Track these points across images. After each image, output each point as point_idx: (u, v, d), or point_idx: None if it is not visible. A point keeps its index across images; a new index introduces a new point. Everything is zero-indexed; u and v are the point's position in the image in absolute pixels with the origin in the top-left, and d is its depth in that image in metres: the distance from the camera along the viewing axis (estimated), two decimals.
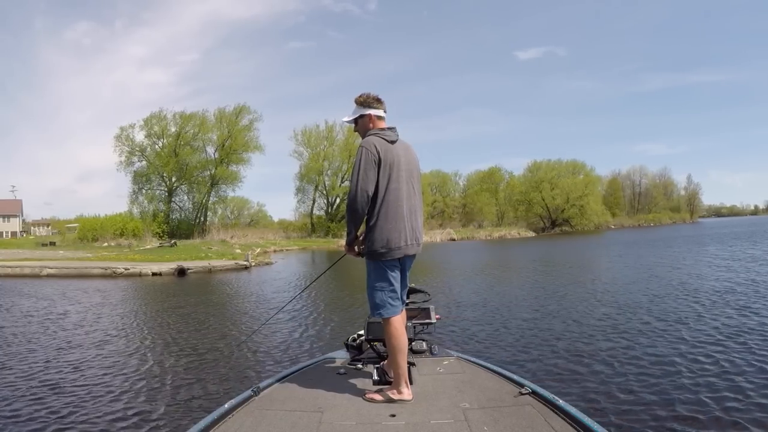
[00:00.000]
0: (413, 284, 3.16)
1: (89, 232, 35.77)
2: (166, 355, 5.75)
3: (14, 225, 60.52)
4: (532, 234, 56.26)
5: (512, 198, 67.11)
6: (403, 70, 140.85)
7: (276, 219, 67.55)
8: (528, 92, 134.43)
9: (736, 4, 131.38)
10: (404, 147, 2.57)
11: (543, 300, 8.87)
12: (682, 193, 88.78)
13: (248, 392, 2.41)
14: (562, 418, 2.02)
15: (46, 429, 3.55)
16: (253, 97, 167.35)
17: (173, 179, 44.85)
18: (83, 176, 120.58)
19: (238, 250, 27.21)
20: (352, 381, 2.64)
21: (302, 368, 2.92)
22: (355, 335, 3.18)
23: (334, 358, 3.11)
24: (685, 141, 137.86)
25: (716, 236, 28.70)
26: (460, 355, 3.06)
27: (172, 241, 31.89)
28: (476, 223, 65.03)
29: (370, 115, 2.57)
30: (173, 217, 45.34)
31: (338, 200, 52.04)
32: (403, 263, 2.56)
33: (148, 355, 5.81)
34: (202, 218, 46.71)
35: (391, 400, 2.32)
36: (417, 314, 3.16)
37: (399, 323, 2.46)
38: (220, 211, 53.06)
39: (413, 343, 3.06)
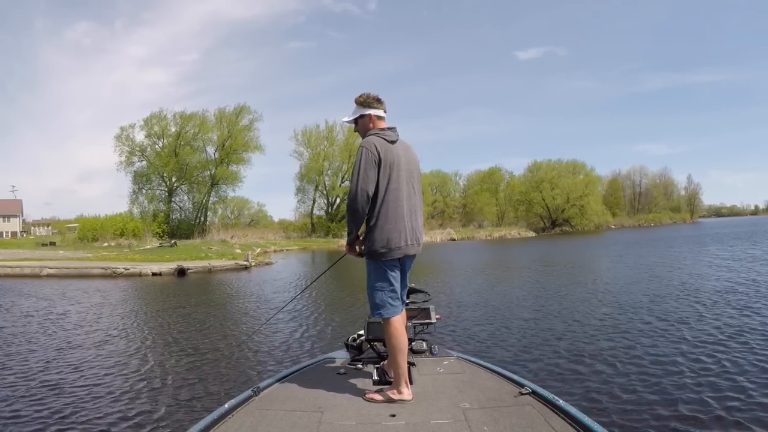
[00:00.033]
0: (413, 284, 3.16)
1: (89, 232, 35.79)
2: (166, 356, 5.75)
3: (14, 225, 60.57)
4: (532, 234, 56.24)
5: (512, 198, 67.10)
6: (403, 70, 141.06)
7: (276, 219, 67.71)
8: (528, 92, 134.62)
9: (736, 4, 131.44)
10: (404, 147, 2.57)
11: (543, 300, 8.87)
12: (683, 193, 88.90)
13: (248, 392, 2.41)
14: (562, 418, 2.02)
15: (47, 430, 3.55)
16: (253, 97, 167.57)
17: (173, 179, 44.86)
18: (83, 176, 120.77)
19: (238, 250, 27.21)
20: (352, 381, 2.64)
21: (302, 368, 2.92)
22: (355, 335, 3.18)
23: (334, 358, 3.11)
24: (685, 141, 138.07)
25: (716, 236, 28.69)
26: (460, 355, 3.06)
27: (172, 241, 31.90)
28: (476, 223, 65.02)
29: (370, 115, 2.56)
30: (173, 217, 45.35)
31: (338, 200, 52.04)
32: (403, 263, 2.56)
33: (148, 355, 5.81)
34: (202, 218, 46.72)
35: (391, 400, 2.32)
36: (417, 314, 3.16)
37: (399, 323, 2.46)
38: (220, 211, 53.16)
39: (413, 343, 3.06)
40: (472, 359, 2.97)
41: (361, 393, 2.43)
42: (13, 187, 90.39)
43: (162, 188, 45.31)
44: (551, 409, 2.12)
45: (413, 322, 3.10)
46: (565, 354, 5.14)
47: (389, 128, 2.56)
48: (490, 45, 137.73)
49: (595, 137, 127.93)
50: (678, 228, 54.40)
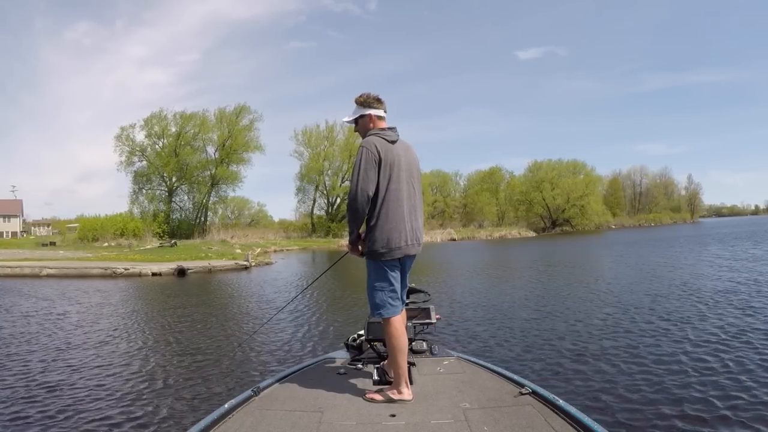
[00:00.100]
0: (413, 284, 3.16)
1: (89, 232, 35.82)
2: (166, 356, 5.75)
3: (14, 225, 60.60)
4: (532, 234, 56.23)
5: (513, 198, 67.07)
6: (403, 70, 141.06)
7: (276, 219, 67.67)
8: (528, 92, 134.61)
9: (736, 4, 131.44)
10: (404, 147, 2.57)
11: (544, 300, 8.86)
12: (683, 193, 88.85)
13: (248, 392, 2.41)
14: (562, 418, 2.02)
15: (47, 431, 3.54)
16: (253, 97, 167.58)
17: (173, 179, 44.87)
18: (83, 176, 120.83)
19: (239, 250, 27.21)
20: (353, 381, 2.64)
21: (302, 368, 2.92)
22: (356, 335, 3.18)
23: (335, 358, 3.11)
24: (686, 141, 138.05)
25: (717, 236, 28.68)
26: (461, 355, 3.06)
27: (173, 241, 31.90)
28: (477, 223, 65.00)
29: (370, 115, 2.56)
30: (173, 217, 45.35)
31: (339, 200, 52.03)
32: (404, 263, 2.56)
33: (148, 355, 5.81)
34: (202, 218, 46.72)
35: (391, 400, 2.32)
36: (417, 314, 3.16)
37: (399, 323, 2.45)
38: (220, 211, 53.14)
39: (413, 343, 3.06)
40: (472, 359, 2.97)
41: (361, 393, 2.43)
42: (14, 187, 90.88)
43: (162, 188, 45.36)
44: (551, 409, 2.12)
45: (413, 322, 3.10)
46: (566, 354, 5.14)
47: (389, 128, 2.56)
48: (490, 45, 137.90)
49: (595, 137, 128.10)
50: (678, 228, 54.40)
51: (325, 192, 53.30)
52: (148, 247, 29.84)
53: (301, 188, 53.89)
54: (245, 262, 20.31)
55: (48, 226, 63.77)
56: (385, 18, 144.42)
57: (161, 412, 3.84)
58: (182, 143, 44.36)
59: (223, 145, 45.40)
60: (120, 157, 43.15)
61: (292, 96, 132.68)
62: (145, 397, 4.22)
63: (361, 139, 2.56)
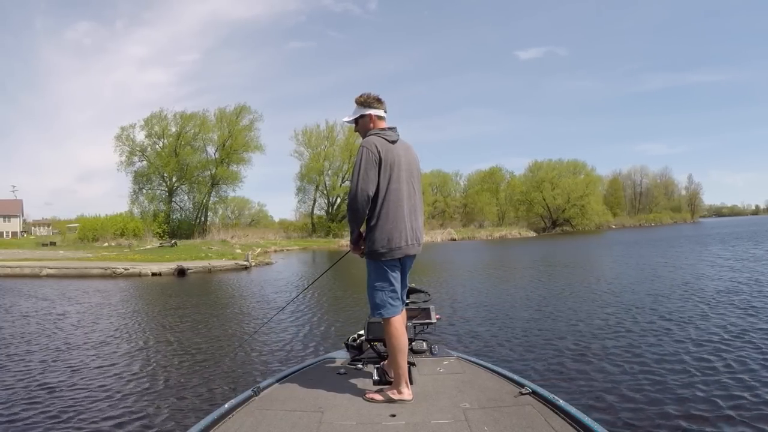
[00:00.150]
0: (413, 284, 3.16)
1: (90, 232, 35.82)
2: (166, 356, 5.75)
3: (15, 225, 60.63)
4: (532, 234, 56.21)
5: (513, 198, 67.06)
6: (403, 70, 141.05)
7: (277, 219, 67.65)
8: (528, 92, 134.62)
9: (736, 4, 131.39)
10: (405, 147, 2.57)
11: (545, 300, 8.86)
12: (683, 192, 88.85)
13: (248, 392, 2.41)
14: (563, 418, 2.01)
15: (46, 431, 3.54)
16: (253, 97, 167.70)
17: (174, 179, 44.88)
18: (84, 176, 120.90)
19: (239, 250, 27.21)
20: (353, 381, 2.63)
21: (302, 368, 2.91)
22: (356, 335, 3.18)
23: (335, 358, 3.11)
24: (686, 141, 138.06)
25: (718, 236, 28.68)
26: (461, 355, 3.06)
27: (173, 241, 31.91)
28: (477, 223, 64.99)
29: (370, 115, 2.56)
30: (174, 217, 45.36)
31: (339, 200, 52.04)
32: (404, 263, 2.55)
33: (148, 355, 5.81)
34: (202, 218, 46.73)
35: (391, 400, 2.32)
36: (417, 314, 3.16)
37: (399, 323, 2.45)
38: (220, 211, 53.11)
39: (413, 343, 3.06)
40: (473, 359, 2.97)
41: (361, 393, 2.43)
42: (14, 187, 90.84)
43: (162, 188, 45.38)
44: (551, 409, 2.11)
45: (413, 322, 3.10)
46: (568, 353, 5.13)
47: (390, 128, 2.56)
48: (490, 45, 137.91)
49: (595, 137, 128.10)
50: (679, 228, 54.38)
51: (325, 192, 53.33)
52: (148, 247, 29.84)
53: (301, 188, 53.97)
54: (245, 262, 20.30)
55: (48, 226, 63.78)
56: (385, 18, 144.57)
57: (162, 412, 3.84)
58: (182, 143, 44.36)
59: (224, 145, 45.40)
60: (120, 157, 43.28)
61: (292, 96, 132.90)
62: (145, 397, 4.22)
63: (361, 139, 2.56)
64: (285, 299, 10.22)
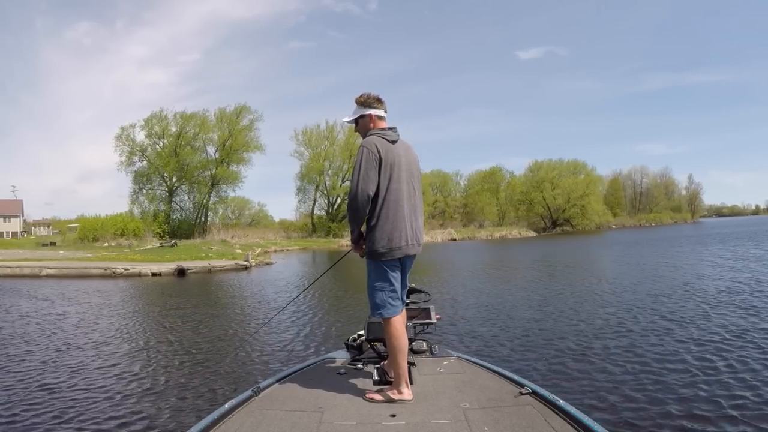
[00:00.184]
0: (413, 284, 3.16)
1: (90, 232, 35.81)
2: (166, 356, 5.75)
3: (15, 225, 60.62)
4: (533, 234, 56.20)
5: (513, 198, 67.04)
6: (403, 70, 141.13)
7: (277, 219, 67.61)
8: (529, 92, 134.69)
9: (736, 4, 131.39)
10: (405, 147, 2.57)
11: (546, 300, 8.85)
12: (683, 192, 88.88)
13: (248, 392, 2.40)
14: (563, 418, 2.01)
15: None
16: (253, 97, 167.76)
17: (174, 179, 44.89)
18: (84, 176, 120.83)
19: (239, 250, 27.21)
20: (353, 381, 2.63)
21: (302, 368, 2.91)
22: (356, 335, 3.18)
23: (335, 358, 3.10)
24: (686, 141, 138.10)
25: (718, 236, 28.67)
26: (461, 355, 3.06)
27: (173, 241, 31.92)
28: (477, 223, 64.98)
29: (370, 115, 2.56)
30: (174, 217, 45.36)
31: (339, 200, 52.03)
32: (404, 263, 2.55)
33: (148, 356, 5.81)
34: (202, 218, 46.73)
35: (391, 400, 2.31)
36: (417, 314, 3.15)
37: (399, 323, 2.45)
38: (220, 211, 53.12)
39: (413, 343, 3.05)
40: (473, 359, 2.97)
41: (361, 393, 2.43)
42: (14, 187, 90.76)
43: (162, 188, 45.39)
44: (551, 409, 2.11)
45: (413, 322, 3.09)
46: (569, 353, 5.13)
47: (390, 128, 2.56)
48: (490, 45, 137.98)
49: (595, 137, 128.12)
50: (679, 228, 54.37)
51: (325, 192, 53.33)
52: (148, 247, 29.84)
53: (301, 188, 53.98)
54: (245, 262, 20.30)
55: (48, 226, 63.74)
56: (386, 18, 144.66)
57: (162, 412, 3.84)
58: (182, 143, 44.36)
59: (224, 145, 45.40)
60: (120, 157, 43.27)
61: (292, 96, 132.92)
62: (146, 397, 4.22)
63: (361, 139, 2.56)
64: (285, 299, 10.22)
